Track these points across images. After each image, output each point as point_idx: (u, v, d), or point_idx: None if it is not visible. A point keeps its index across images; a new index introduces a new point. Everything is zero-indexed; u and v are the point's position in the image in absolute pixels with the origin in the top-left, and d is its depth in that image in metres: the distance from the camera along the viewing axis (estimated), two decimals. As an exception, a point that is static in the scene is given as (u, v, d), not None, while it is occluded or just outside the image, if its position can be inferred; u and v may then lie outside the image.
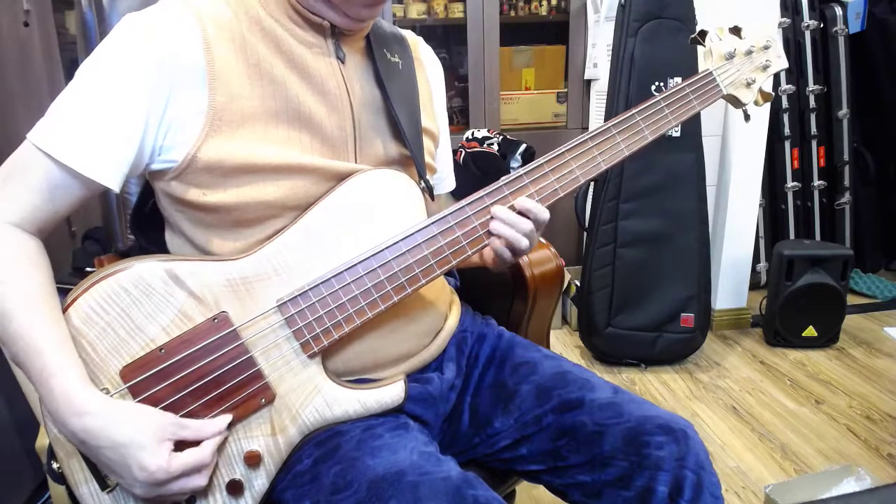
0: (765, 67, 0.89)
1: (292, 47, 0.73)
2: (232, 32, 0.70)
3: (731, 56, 0.87)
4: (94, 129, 0.66)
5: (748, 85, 0.89)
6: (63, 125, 0.66)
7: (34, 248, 0.68)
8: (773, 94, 0.91)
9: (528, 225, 0.76)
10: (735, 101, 0.90)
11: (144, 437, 0.62)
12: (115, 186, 0.68)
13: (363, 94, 0.78)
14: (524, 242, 0.76)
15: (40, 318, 0.63)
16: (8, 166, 0.68)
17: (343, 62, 0.77)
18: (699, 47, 0.89)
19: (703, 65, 0.88)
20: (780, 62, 0.90)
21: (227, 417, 0.69)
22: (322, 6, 0.73)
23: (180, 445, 0.65)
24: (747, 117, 0.93)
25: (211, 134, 0.68)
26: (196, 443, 0.66)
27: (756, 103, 0.91)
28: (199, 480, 0.66)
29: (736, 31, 0.88)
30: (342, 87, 0.76)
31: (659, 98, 0.83)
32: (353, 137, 0.77)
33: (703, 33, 0.88)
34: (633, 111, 0.82)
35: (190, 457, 0.64)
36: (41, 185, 0.67)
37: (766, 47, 0.89)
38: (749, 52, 0.88)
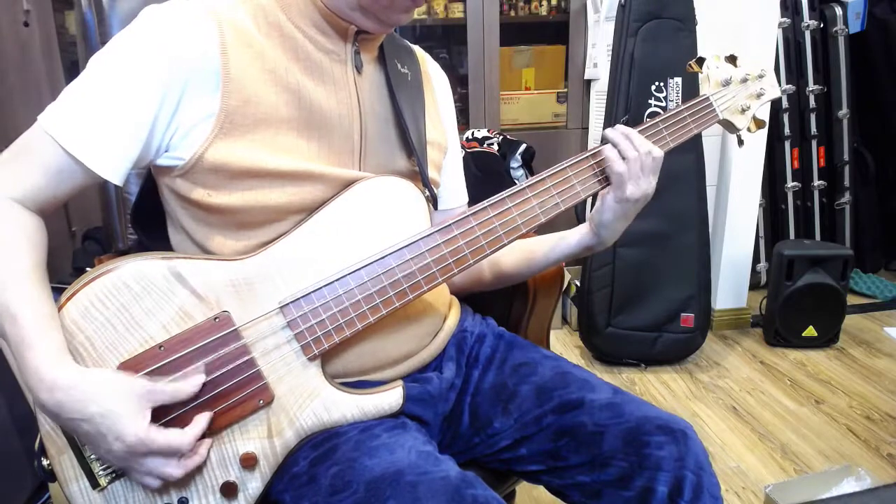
0: (759, 95, 0.92)
1: (310, 54, 0.73)
2: (250, 38, 0.70)
3: (727, 83, 0.90)
4: (104, 121, 0.66)
5: (743, 111, 0.91)
6: (73, 113, 0.66)
7: (33, 225, 0.68)
8: (766, 121, 0.93)
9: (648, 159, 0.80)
10: (730, 127, 0.92)
11: (120, 405, 0.61)
12: (118, 180, 0.69)
13: (372, 103, 0.79)
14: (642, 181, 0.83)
15: (29, 292, 0.63)
16: (17, 145, 0.68)
17: (359, 72, 0.77)
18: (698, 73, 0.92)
19: (702, 90, 0.90)
20: (774, 91, 0.93)
21: (202, 377, 0.67)
22: (357, 14, 0.72)
23: (166, 424, 0.64)
24: (741, 143, 0.95)
25: (220, 136, 0.68)
26: (181, 426, 0.65)
27: (749, 130, 0.93)
28: (172, 469, 0.64)
29: (732, 59, 0.91)
30: (354, 96, 0.76)
31: (658, 121, 0.85)
32: (360, 146, 0.77)
33: (700, 60, 0.90)
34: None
35: (170, 436, 0.63)
36: (46, 168, 0.67)
37: (761, 76, 0.92)
38: (744, 80, 0.91)
